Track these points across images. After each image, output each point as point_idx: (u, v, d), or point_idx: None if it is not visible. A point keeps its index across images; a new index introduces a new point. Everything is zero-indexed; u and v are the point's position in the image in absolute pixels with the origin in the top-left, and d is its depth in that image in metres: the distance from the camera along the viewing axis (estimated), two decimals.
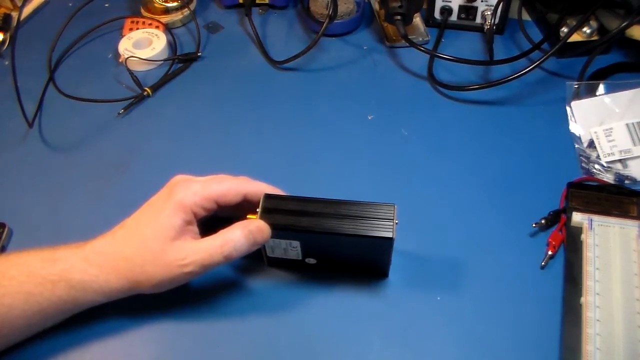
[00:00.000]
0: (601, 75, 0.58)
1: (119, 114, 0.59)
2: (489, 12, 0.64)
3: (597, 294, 0.41)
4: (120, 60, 0.65)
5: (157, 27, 0.69)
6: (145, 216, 0.39)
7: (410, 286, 0.44)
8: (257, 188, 0.41)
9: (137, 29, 0.68)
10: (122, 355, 0.41)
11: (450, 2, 0.65)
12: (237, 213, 0.41)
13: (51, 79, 0.62)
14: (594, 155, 0.51)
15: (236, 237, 0.38)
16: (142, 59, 0.63)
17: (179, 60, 0.65)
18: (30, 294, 0.37)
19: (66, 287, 0.37)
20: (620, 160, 0.51)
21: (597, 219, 0.45)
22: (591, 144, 0.52)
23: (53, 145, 0.57)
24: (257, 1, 0.72)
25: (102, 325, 0.41)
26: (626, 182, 0.49)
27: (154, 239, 0.38)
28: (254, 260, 0.44)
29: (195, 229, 0.40)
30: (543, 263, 0.44)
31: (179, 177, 0.41)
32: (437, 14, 0.66)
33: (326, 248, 0.41)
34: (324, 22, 0.62)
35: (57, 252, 0.39)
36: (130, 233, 0.39)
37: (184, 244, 0.38)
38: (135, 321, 0.42)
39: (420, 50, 0.61)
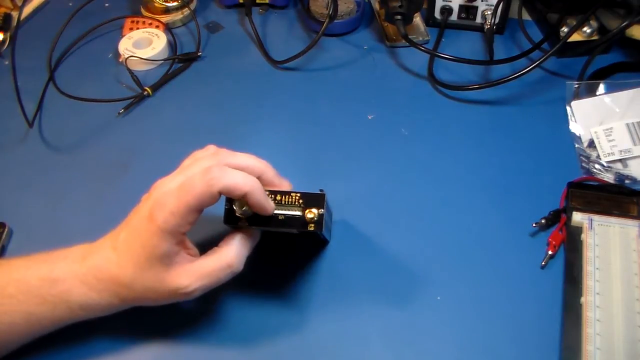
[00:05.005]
0: (601, 75, 0.58)
1: (119, 113, 0.59)
2: (489, 12, 0.64)
3: (597, 293, 0.41)
4: (120, 60, 0.65)
5: (157, 26, 0.69)
6: (133, 242, 0.36)
7: (409, 286, 0.44)
8: (233, 180, 0.35)
9: (137, 28, 0.68)
10: None
11: (450, 1, 0.65)
12: None
13: (51, 78, 0.62)
14: (594, 155, 0.51)
15: (237, 251, 0.38)
16: (142, 58, 0.63)
17: (179, 60, 0.65)
18: (31, 314, 0.37)
19: (67, 309, 0.37)
20: (620, 160, 0.51)
21: (597, 218, 0.45)
22: (591, 144, 0.52)
23: (53, 145, 0.57)
24: (258, 1, 0.72)
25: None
26: (626, 181, 0.49)
27: (149, 269, 0.36)
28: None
29: (188, 243, 0.38)
30: (543, 263, 0.44)
31: (157, 185, 0.37)
32: (437, 14, 0.66)
33: None
34: (324, 22, 0.62)
35: (55, 268, 0.37)
36: (124, 259, 0.36)
37: (182, 271, 0.36)
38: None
39: (421, 50, 0.61)
